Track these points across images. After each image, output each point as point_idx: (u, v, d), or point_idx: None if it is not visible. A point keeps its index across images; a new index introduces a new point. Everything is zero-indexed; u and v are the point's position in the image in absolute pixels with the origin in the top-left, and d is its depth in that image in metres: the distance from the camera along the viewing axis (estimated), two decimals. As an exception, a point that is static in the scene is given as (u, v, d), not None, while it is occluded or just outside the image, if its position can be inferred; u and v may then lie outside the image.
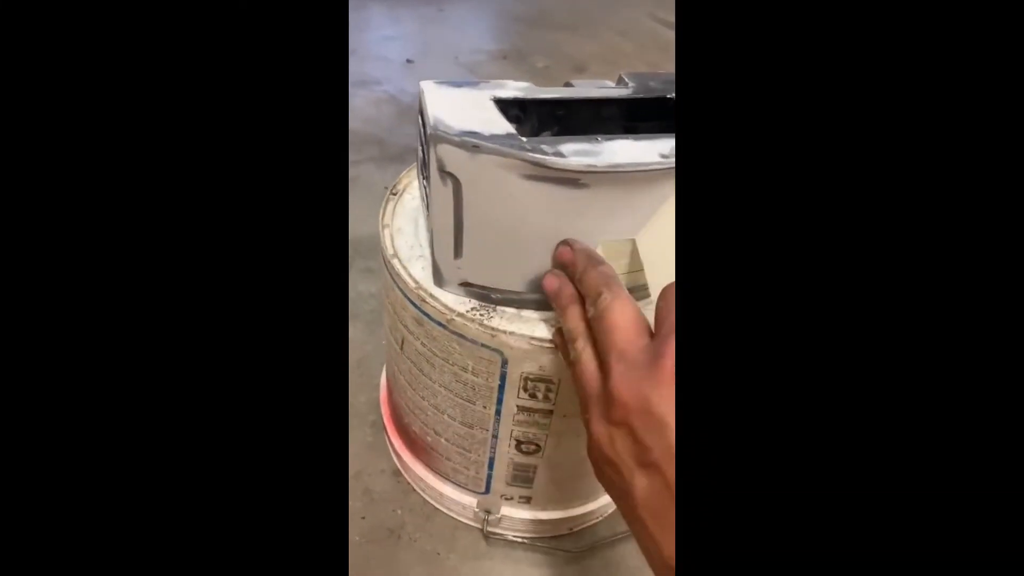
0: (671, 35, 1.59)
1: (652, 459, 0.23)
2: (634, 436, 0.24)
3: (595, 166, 0.26)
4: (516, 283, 0.32)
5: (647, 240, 0.30)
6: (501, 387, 0.35)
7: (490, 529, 0.47)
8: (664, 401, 0.23)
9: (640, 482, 0.23)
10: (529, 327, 0.32)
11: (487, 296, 0.33)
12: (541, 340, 0.32)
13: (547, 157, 0.26)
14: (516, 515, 0.46)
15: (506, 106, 0.36)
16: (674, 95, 0.35)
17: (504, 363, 0.33)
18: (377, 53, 1.35)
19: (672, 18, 1.67)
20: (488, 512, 0.47)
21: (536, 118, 0.36)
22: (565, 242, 0.30)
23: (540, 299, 0.33)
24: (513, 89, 0.34)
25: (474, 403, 0.37)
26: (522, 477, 0.42)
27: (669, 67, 1.39)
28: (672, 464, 0.22)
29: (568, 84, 0.39)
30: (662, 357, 0.23)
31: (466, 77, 1.29)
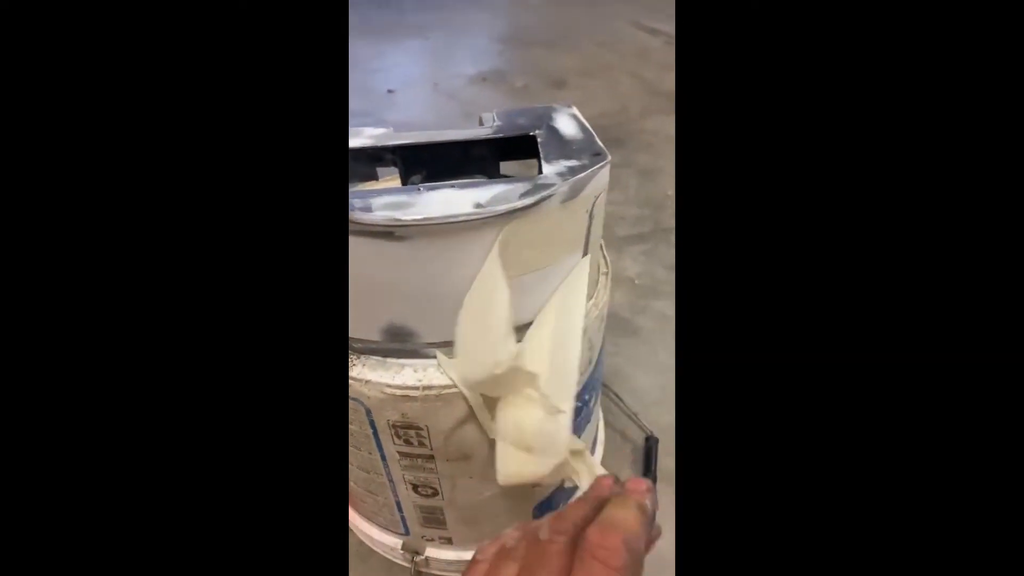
0: (653, 41, 1.58)
1: None
2: None
3: (401, 220, 0.26)
4: (371, 332, 0.32)
5: (476, 296, 0.29)
6: (375, 434, 0.35)
7: (420, 570, 0.47)
8: None
9: None
10: (389, 375, 0.32)
11: (349, 345, 0.33)
12: (396, 388, 0.32)
13: (351, 212, 0.26)
14: (442, 556, 0.46)
15: (379, 152, 0.36)
16: (539, 131, 0.35)
17: (368, 412, 0.33)
18: (361, 86, 1.38)
19: (656, 24, 1.66)
20: (415, 553, 0.46)
21: (403, 163, 0.37)
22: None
23: (401, 348, 0.32)
24: (366, 137, 0.34)
25: (360, 449, 0.37)
26: (432, 519, 0.42)
27: (649, 72, 1.38)
28: None
29: (480, 122, 0.38)
30: None
31: (444, 103, 1.31)
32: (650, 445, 0.59)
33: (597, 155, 0.32)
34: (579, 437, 0.44)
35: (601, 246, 0.43)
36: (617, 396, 0.64)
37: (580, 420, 0.43)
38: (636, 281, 0.81)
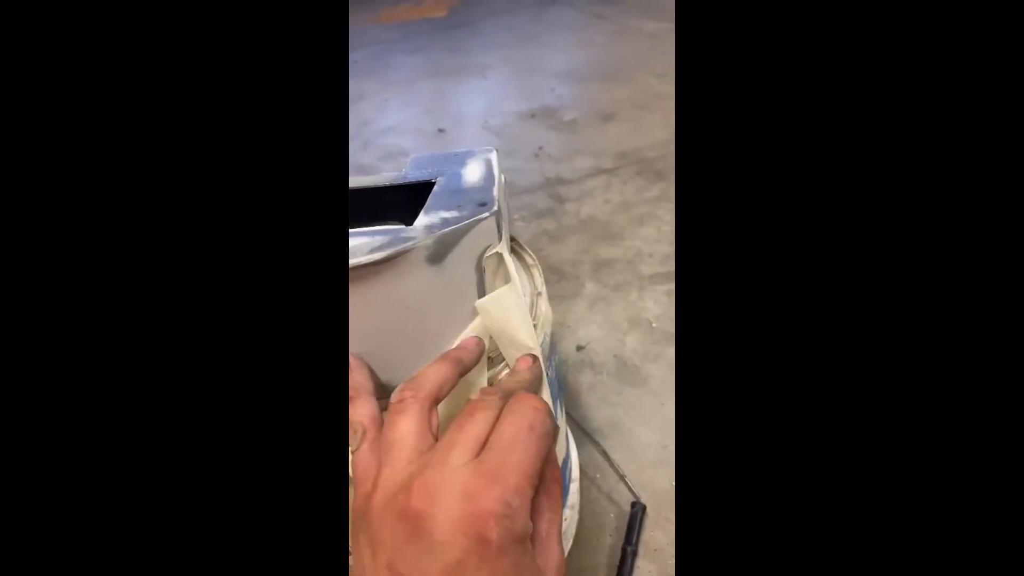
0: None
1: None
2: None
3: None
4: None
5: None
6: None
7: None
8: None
9: None
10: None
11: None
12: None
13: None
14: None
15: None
16: (440, 177, 0.33)
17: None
18: (414, 127, 1.44)
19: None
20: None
21: (317, 212, 0.36)
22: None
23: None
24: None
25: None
26: None
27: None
28: None
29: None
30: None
31: (491, 141, 1.32)
32: (635, 512, 0.54)
33: (482, 205, 0.30)
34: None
35: (541, 295, 0.40)
36: (605, 453, 0.59)
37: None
38: (654, 324, 0.76)
